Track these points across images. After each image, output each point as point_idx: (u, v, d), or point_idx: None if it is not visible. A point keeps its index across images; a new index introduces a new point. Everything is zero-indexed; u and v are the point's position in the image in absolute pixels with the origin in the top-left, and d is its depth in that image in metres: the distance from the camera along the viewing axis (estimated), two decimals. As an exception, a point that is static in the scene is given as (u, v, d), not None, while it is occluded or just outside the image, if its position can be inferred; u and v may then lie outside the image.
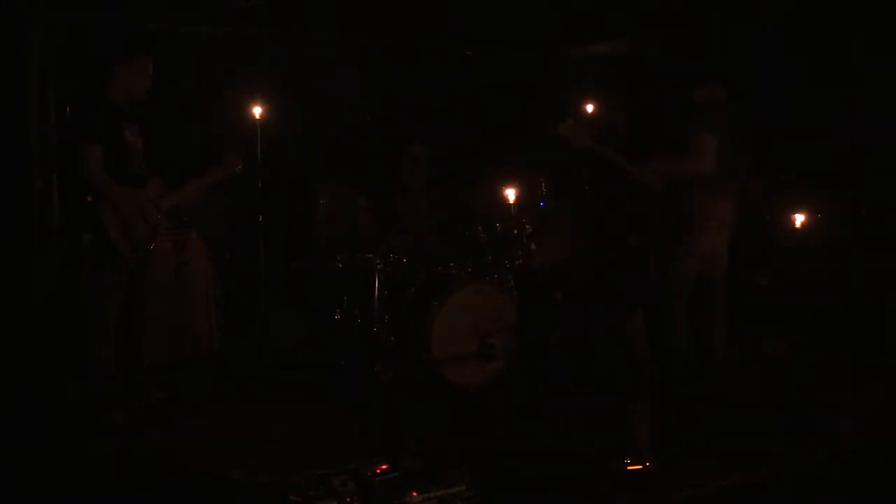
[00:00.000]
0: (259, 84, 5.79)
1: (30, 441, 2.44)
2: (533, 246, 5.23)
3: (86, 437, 3.20)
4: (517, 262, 5.27)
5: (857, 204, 6.08)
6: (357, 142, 6.48)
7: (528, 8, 5.91)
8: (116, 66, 4.17)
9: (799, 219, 4.39)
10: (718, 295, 4.85)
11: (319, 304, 5.64)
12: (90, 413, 4.04)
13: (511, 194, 5.17)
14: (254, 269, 5.79)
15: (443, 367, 4.85)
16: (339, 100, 6.49)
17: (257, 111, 5.58)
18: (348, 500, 3.24)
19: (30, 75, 2.33)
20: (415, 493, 3.26)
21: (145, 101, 4.31)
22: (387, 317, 5.15)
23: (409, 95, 6.74)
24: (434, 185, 5.79)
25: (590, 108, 6.13)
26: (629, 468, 3.51)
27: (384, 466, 3.52)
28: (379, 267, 5.14)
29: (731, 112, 4.65)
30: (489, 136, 6.71)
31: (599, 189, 5.47)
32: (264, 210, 5.72)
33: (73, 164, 3.89)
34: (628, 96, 6.01)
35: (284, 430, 4.28)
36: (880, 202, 6.00)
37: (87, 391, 4.06)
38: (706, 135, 4.50)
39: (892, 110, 5.67)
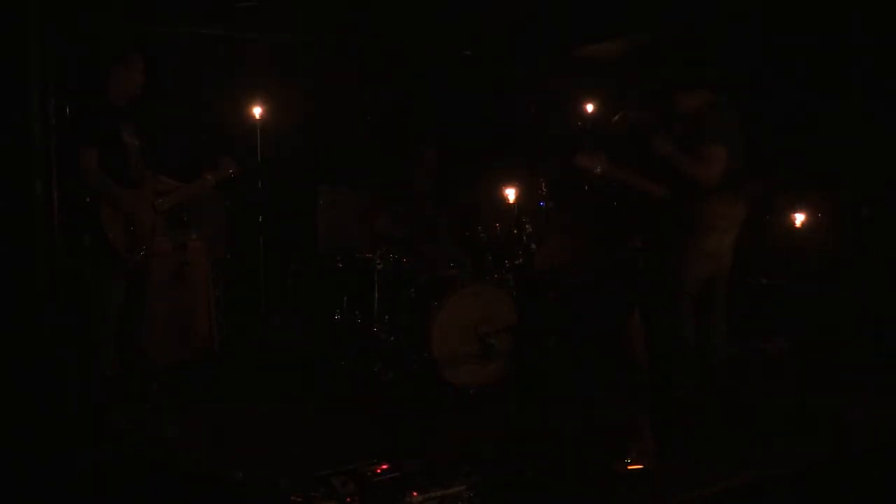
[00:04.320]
0: (259, 84, 5.79)
1: (30, 442, 2.44)
2: (533, 246, 5.22)
3: (86, 437, 3.21)
4: (517, 263, 5.27)
5: (857, 203, 6.07)
6: (358, 142, 6.48)
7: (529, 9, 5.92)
8: (113, 66, 4.17)
9: (799, 218, 4.39)
10: (721, 294, 4.86)
11: (319, 305, 5.64)
12: (91, 414, 4.04)
13: (511, 194, 5.16)
14: (254, 270, 5.79)
15: (443, 367, 4.85)
16: (339, 100, 6.49)
17: (257, 111, 5.57)
18: (348, 500, 3.24)
19: (30, 76, 2.33)
20: (415, 494, 3.26)
21: (143, 100, 4.31)
22: (387, 317, 5.15)
23: (409, 95, 6.74)
24: (439, 187, 5.79)
25: (590, 108, 6.13)
26: (630, 468, 3.51)
27: (384, 467, 3.52)
28: (379, 267, 5.14)
29: (734, 114, 4.65)
30: (490, 137, 6.72)
31: (602, 191, 5.48)
32: (264, 210, 5.72)
33: (72, 166, 3.90)
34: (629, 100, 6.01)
35: (284, 430, 4.29)
36: (881, 201, 6.00)
37: (88, 392, 4.07)
38: (719, 146, 4.49)
39: (893, 109, 5.67)
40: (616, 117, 5.54)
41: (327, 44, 6.40)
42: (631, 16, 5.93)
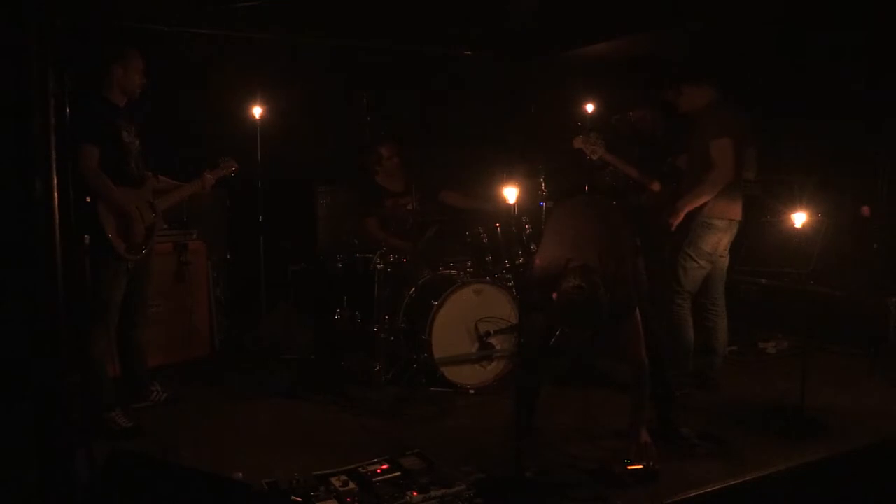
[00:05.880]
0: (259, 84, 5.78)
1: (29, 442, 2.44)
2: (533, 246, 5.22)
3: (86, 437, 3.21)
4: (517, 262, 5.27)
5: (857, 203, 6.07)
6: (356, 142, 6.48)
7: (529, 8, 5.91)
8: (113, 66, 4.17)
9: (799, 218, 4.39)
10: (720, 294, 4.86)
11: (319, 305, 5.64)
12: (91, 414, 4.04)
13: (511, 194, 5.15)
14: (254, 270, 5.78)
15: (443, 367, 4.86)
16: (339, 99, 6.49)
17: (257, 111, 5.57)
18: (349, 500, 3.25)
19: (29, 75, 2.33)
20: (415, 493, 3.27)
21: (142, 100, 4.32)
22: (387, 317, 5.15)
23: (408, 96, 6.73)
24: (423, 186, 5.78)
25: (590, 108, 6.13)
26: (630, 468, 3.51)
27: (384, 466, 3.53)
28: (379, 267, 5.14)
29: (733, 112, 4.66)
30: (490, 136, 6.71)
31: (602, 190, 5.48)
32: (264, 210, 5.71)
33: (72, 165, 3.90)
34: (630, 99, 6.01)
35: (284, 431, 4.29)
36: (881, 201, 6.00)
37: (88, 392, 4.07)
38: (724, 140, 4.49)
39: (893, 108, 5.68)
40: (615, 117, 5.54)
41: (326, 43, 6.40)
42: (634, 16, 5.92)
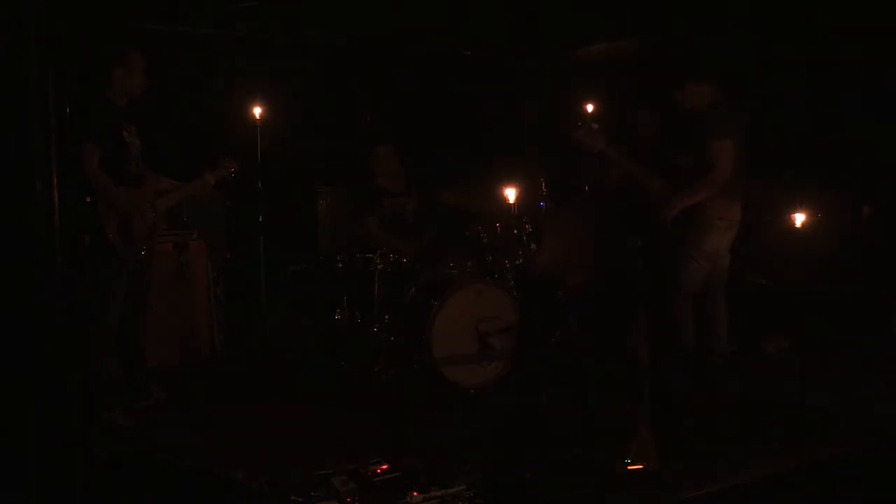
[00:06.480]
0: (258, 84, 5.79)
1: (30, 442, 2.44)
2: (533, 246, 5.22)
3: (86, 437, 3.22)
4: (517, 262, 5.27)
5: (857, 203, 6.07)
6: (356, 142, 6.48)
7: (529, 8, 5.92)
8: (114, 65, 4.18)
9: (799, 218, 4.39)
10: (720, 294, 4.86)
11: (319, 304, 5.64)
12: (91, 414, 4.04)
13: (511, 194, 5.16)
14: (254, 270, 5.79)
15: (443, 367, 4.85)
16: (339, 99, 6.50)
17: (257, 111, 5.58)
18: (349, 500, 3.25)
19: (30, 76, 2.33)
20: (415, 493, 3.26)
21: (143, 100, 4.32)
22: (387, 317, 5.15)
23: (408, 95, 6.74)
24: (424, 186, 5.78)
25: (590, 107, 6.13)
26: (630, 468, 3.51)
27: (384, 466, 3.52)
28: (379, 267, 5.14)
29: (734, 112, 4.66)
30: (490, 136, 6.72)
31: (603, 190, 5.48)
32: (264, 210, 5.72)
33: (72, 165, 3.90)
34: (632, 99, 6.01)
35: (284, 431, 4.29)
36: (881, 200, 6.00)
37: (88, 392, 4.07)
38: (725, 141, 4.50)
39: (892, 108, 5.67)
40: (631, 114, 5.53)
41: (326, 43, 6.41)
42: (634, 17, 5.93)
